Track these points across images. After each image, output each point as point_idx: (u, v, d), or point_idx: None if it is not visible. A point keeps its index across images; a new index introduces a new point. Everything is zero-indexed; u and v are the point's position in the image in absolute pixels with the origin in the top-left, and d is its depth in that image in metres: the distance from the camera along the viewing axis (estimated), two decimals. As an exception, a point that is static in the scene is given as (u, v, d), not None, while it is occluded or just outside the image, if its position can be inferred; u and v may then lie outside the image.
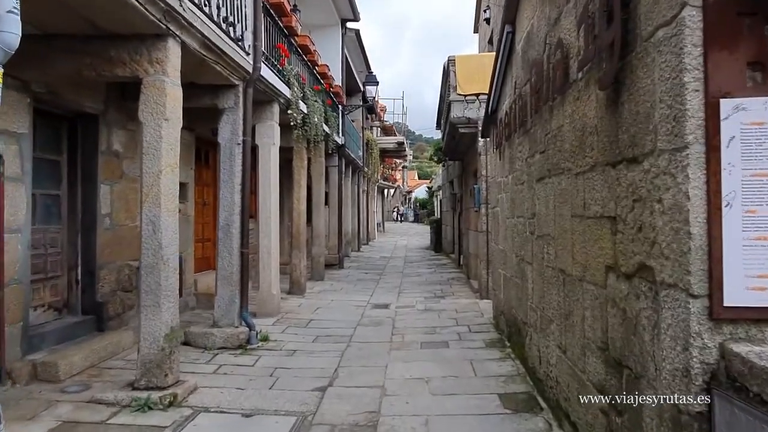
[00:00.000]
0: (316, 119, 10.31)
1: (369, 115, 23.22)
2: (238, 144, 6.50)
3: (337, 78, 13.69)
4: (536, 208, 4.66)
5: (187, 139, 8.43)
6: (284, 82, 8.26)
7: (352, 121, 18.43)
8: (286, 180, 11.33)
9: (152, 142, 4.59)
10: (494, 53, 7.81)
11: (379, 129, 25.63)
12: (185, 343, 6.26)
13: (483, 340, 6.52)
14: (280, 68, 8.08)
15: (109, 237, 6.19)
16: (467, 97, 9.49)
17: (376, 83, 14.49)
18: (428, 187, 47.43)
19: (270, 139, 8.03)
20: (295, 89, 8.60)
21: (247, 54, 6.41)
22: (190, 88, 6.50)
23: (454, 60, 9.52)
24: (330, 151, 12.09)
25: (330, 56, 13.94)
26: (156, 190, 4.58)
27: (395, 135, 25.04)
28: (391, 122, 26.29)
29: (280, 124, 8.62)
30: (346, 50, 15.35)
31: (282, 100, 8.32)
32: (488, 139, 8.08)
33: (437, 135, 19.23)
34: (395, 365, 5.55)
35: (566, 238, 3.63)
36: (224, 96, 6.46)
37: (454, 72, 9.58)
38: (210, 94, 6.49)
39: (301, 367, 5.53)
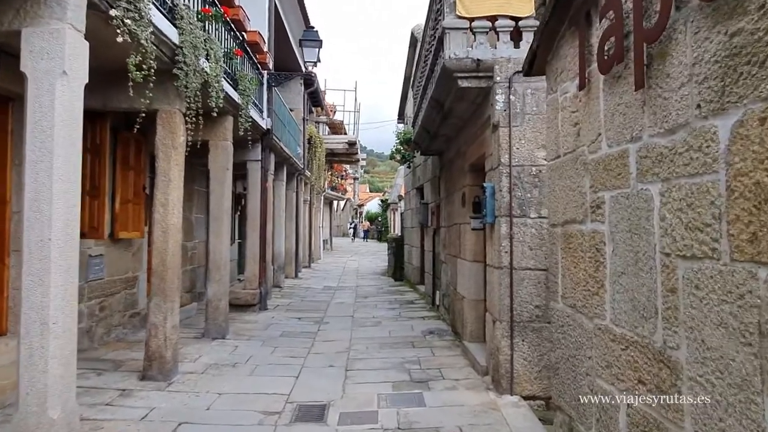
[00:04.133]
0: (206, 65, 5.85)
1: (314, 108, 18.81)
2: None
3: (261, 28, 9.27)
4: None
5: None
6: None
7: (291, 110, 14.00)
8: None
9: None
10: None
11: (326, 126, 21.24)
12: None
13: None
14: None
15: None
16: (475, 24, 5.25)
17: (319, 43, 10.15)
18: (382, 200, 43.35)
19: (56, 62, 3.50)
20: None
21: None
22: None
23: (451, -44, 5.31)
24: (243, 133, 7.71)
25: (252, 11, 9.49)
26: None
27: (346, 134, 20.78)
28: (342, 121, 21.90)
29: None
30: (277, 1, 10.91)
31: (96, -14, 3.83)
32: (545, 76, 3.83)
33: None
34: None
35: None
36: None
37: (452, -21, 5.35)
38: None
39: None
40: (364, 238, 38.76)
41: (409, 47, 12.90)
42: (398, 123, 15.31)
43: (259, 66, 9.21)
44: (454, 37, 5.26)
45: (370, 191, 66.22)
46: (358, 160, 21.97)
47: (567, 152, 3.24)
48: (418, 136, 8.90)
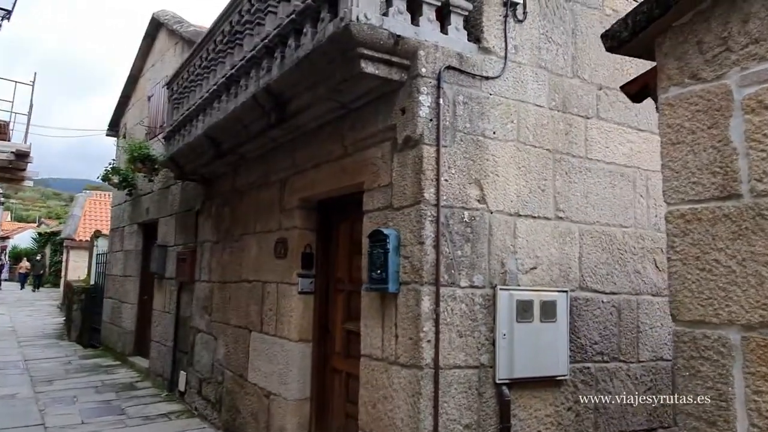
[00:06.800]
0: None
1: (-38, 96, 13.05)
2: None
3: None
4: None
5: None
6: None
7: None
8: None
9: None
10: None
11: (-22, 126, 15.03)
12: None
13: None
14: None
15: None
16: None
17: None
18: (39, 234, 34.49)
19: None
20: None
21: None
22: None
23: None
24: None
25: None
26: None
27: (9, 141, 14.99)
28: (7, 122, 15.80)
29: None
30: None
31: None
32: (663, 55, 2.23)
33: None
34: None
35: None
36: None
37: None
38: None
39: None
40: (20, 283, 27.89)
41: (144, 38, 9.76)
42: (108, 135, 11.54)
43: None
44: (363, -9, 3.26)
45: (12, 220, 53.03)
46: (24, 179, 16.17)
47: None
48: (187, 152, 6.17)
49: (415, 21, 3.44)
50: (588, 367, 3.76)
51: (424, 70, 3.36)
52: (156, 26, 9.48)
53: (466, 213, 3.40)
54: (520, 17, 3.78)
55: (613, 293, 3.95)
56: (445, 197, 3.32)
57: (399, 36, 3.30)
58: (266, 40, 4.24)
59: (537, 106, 3.79)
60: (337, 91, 3.68)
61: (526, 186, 3.66)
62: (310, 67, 3.67)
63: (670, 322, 4.15)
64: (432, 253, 3.24)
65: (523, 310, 3.46)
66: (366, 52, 3.27)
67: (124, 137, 10.63)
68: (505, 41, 3.69)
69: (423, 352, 3.16)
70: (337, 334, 4.51)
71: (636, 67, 4.28)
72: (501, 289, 3.43)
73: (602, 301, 3.89)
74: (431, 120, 3.34)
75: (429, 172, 3.29)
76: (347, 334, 4.36)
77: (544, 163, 3.77)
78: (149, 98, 9.56)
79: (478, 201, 3.46)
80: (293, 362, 4.58)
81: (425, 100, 3.34)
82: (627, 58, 4.24)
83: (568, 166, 3.86)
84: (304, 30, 3.74)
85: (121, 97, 11.01)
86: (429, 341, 3.18)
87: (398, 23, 3.35)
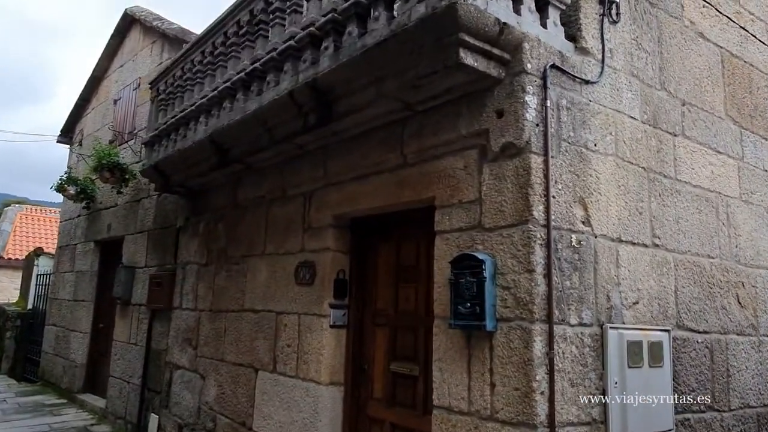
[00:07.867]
0: None
1: None
2: None
3: None
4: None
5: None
6: None
7: None
8: None
9: None
10: None
11: None
12: None
13: None
14: None
15: None
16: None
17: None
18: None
19: None
20: None
21: None
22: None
23: None
24: None
25: None
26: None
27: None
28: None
29: None
30: None
31: None
32: None
33: None
34: None
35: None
36: None
37: None
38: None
39: None
40: None
41: (113, 37, 8.79)
42: (60, 142, 10.31)
43: None
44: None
45: None
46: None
47: None
48: (178, 160, 5.33)
49: (516, 9, 2.93)
50: (688, 419, 3.27)
51: (529, 66, 2.84)
52: (128, 23, 8.55)
53: (573, 236, 2.86)
54: (615, 18, 3.36)
55: (706, 332, 3.51)
56: (553, 217, 2.77)
57: (505, 24, 2.78)
58: (311, 28, 3.61)
59: (632, 118, 3.35)
60: (414, 87, 3.09)
61: (625, 208, 3.18)
62: (381, 56, 3.07)
63: (755, 365, 3.78)
64: (543, 284, 2.67)
65: (634, 353, 2.93)
66: (468, 39, 2.71)
67: (80, 144, 9.51)
68: (602, 42, 3.23)
69: (536, 407, 2.56)
70: (377, 376, 3.83)
71: (713, 82, 3.97)
72: (610, 327, 2.90)
73: (697, 342, 3.43)
74: (537, 125, 2.81)
75: (537, 186, 2.74)
76: (393, 377, 3.69)
77: (641, 183, 3.31)
78: (115, 102, 8.57)
79: (583, 223, 2.94)
80: (323, 410, 3.83)
81: (531, 101, 2.81)
82: (706, 73, 3.93)
83: (661, 188, 3.43)
84: (375, 13, 3.14)
85: (78, 100, 9.86)
86: (542, 393, 2.59)
87: (501, 9, 2.82)
